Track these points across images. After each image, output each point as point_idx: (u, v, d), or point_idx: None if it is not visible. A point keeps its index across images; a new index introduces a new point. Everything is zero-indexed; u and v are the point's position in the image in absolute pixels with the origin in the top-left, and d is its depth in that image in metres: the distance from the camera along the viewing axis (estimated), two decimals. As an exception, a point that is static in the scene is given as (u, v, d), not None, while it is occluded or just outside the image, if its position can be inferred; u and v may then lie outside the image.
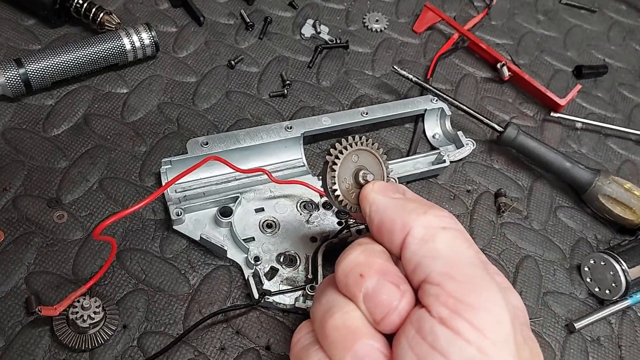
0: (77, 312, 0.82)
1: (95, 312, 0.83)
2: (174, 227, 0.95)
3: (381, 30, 1.35)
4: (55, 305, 0.82)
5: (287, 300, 0.90)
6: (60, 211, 0.96)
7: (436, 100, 1.16)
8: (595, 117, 1.31)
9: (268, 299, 0.89)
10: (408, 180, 1.09)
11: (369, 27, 1.34)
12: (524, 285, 1.02)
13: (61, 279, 0.89)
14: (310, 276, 0.92)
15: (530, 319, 0.97)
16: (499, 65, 1.27)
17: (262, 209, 0.99)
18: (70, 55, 1.07)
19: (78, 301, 0.83)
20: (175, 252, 0.95)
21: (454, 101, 1.14)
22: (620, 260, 1.00)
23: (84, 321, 0.82)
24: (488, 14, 1.45)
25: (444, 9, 1.44)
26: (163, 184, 0.98)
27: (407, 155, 1.13)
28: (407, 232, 0.62)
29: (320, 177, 0.91)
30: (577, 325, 0.98)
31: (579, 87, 1.26)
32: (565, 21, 1.52)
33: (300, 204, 1.01)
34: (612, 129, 1.27)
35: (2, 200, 0.95)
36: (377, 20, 1.35)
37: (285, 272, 0.93)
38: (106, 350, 0.84)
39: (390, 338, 0.61)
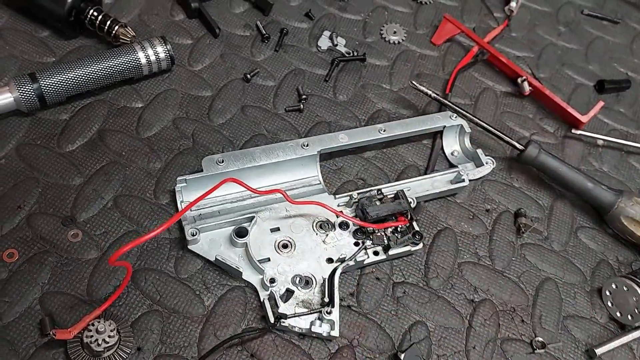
0: (91, 336, 0.82)
1: (109, 336, 0.82)
2: (189, 247, 0.94)
3: (399, 42, 1.33)
4: (69, 328, 0.81)
5: (302, 323, 0.89)
6: (75, 230, 0.95)
7: (455, 117, 1.14)
8: (617, 134, 1.29)
9: (284, 322, 0.88)
10: (426, 200, 1.07)
11: (387, 39, 1.32)
12: (544, 309, 1.00)
13: (75, 299, 0.88)
14: (326, 299, 0.91)
15: (549, 344, 0.95)
16: (519, 80, 1.25)
17: (277, 229, 0.98)
18: (85, 70, 1.06)
19: (92, 324, 0.82)
20: (190, 272, 0.94)
21: (474, 118, 1.12)
22: (644, 285, 0.98)
23: (99, 345, 0.81)
24: (508, 26, 1.43)
25: (463, 20, 1.41)
26: (178, 202, 0.97)
27: (425, 173, 1.11)
28: None
29: None
30: (598, 351, 0.96)
31: (601, 104, 1.23)
32: (587, 33, 1.49)
33: (317, 223, 1.00)
34: (635, 146, 1.25)
35: (17, 218, 0.94)
36: (395, 32, 1.33)
37: (301, 294, 0.92)
38: (120, 374, 0.83)
39: None
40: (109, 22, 1.13)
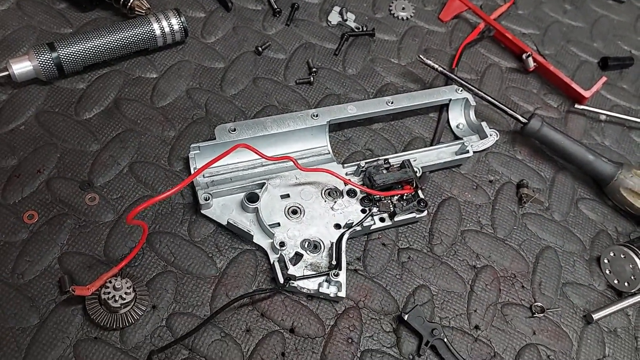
0: (109, 293, 0.85)
1: (126, 293, 0.86)
2: (202, 211, 0.98)
3: (407, 18, 1.35)
4: (87, 285, 0.84)
5: (310, 285, 0.93)
6: (92, 194, 0.98)
7: (461, 91, 1.17)
8: (619, 110, 1.31)
9: (293, 283, 0.92)
10: (431, 170, 1.11)
11: (396, 15, 1.35)
12: (544, 276, 1.03)
13: (93, 259, 0.92)
14: (333, 262, 0.94)
15: (548, 309, 0.99)
16: (524, 56, 1.27)
17: (287, 195, 1.01)
18: (102, 40, 1.09)
19: (110, 282, 0.86)
20: (203, 235, 0.97)
21: (479, 91, 1.15)
22: (641, 253, 1.01)
23: (116, 301, 0.85)
24: (515, 3, 1.45)
25: (471, -3, 1.44)
26: (191, 169, 1.00)
27: (431, 145, 1.14)
28: None
29: None
30: (595, 316, 1.00)
31: (604, 79, 1.26)
32: (592, 11, 1.51)
33: (325, 191, 1.03)
34: (636, 121, 1.27)
35: (37, 181, 0.98)
36: (403, 8, 1.36)
37: (309, 257, 0.95)
38: (136, 329, 0.87)
39: None
40: (124, -5, 1.16)
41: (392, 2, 1.37)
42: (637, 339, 1.01)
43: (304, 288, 0.92)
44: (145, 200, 0.81)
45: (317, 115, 1.07)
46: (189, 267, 0.94)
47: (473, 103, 1.17)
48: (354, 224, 0.98)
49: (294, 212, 1.00)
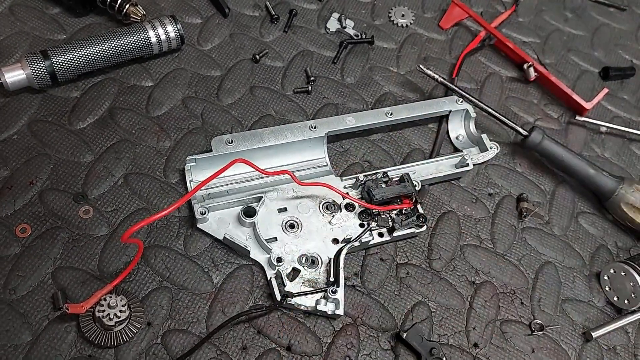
0: (103, 311, 0.84)
1: (121, 311, 0.84)
2: (198, 225, 0.96)
3: (407, 26, 1.33)
4: (82, 302, 0.83)
5: (308, 302, 0.91)
6: (86, 206, 0.96)
7: (461, 102, 1.15)
8: (620, 121, 1.30)
9: (290, 300, 0.90)
10: (430, 183, 1.09)
11: (395, 22, 1.33)
12: (543, 292, 1.02)
13: (87, 274, 0.90)
14: (331, 279, 0.93)
15: (547, 326, 0.98)
16: (525, 66, 1.26)
17: (284, 209, 1.00)
18: (96, 48, 1.07)
19: (104, 299, 0.84)
20: (198, 250, 0.96)
21: (479, 103, 1.13)
22: (641, 271, 1.00)
23: (110, 319, 0.84)
24: (515, 10, 1.43)
25: (471, 4, 1.42)
26: (187, 181, 0.99)
27: (430, 157, 1.13)
28: None
29: None
30: (594, 334, 0.99)
31: (605, 91, 1.24)
32: (594, 19, 1.50)
33: (323, 204, 1.01)
34: (637, 134, 1.26)
35: (29, 194, 0.96)
36: (403, 15, 1.34)
37: (306, 273, 0.94)
38: (131, 347, 0.85)
39: None
40: (119, 1, 1.13)
41: (392, 9, 1.35)
42: (637, 357, 1.00)
43: (301, 305, 0.91)
44: (142, 220, 0.79)
45: (315, 127, 1.05)
46: (184, 282, 0.92)
47: (473, 115, 1.15)
48: (352, 239, 0.97)
49: (292, 226, 0.99)
